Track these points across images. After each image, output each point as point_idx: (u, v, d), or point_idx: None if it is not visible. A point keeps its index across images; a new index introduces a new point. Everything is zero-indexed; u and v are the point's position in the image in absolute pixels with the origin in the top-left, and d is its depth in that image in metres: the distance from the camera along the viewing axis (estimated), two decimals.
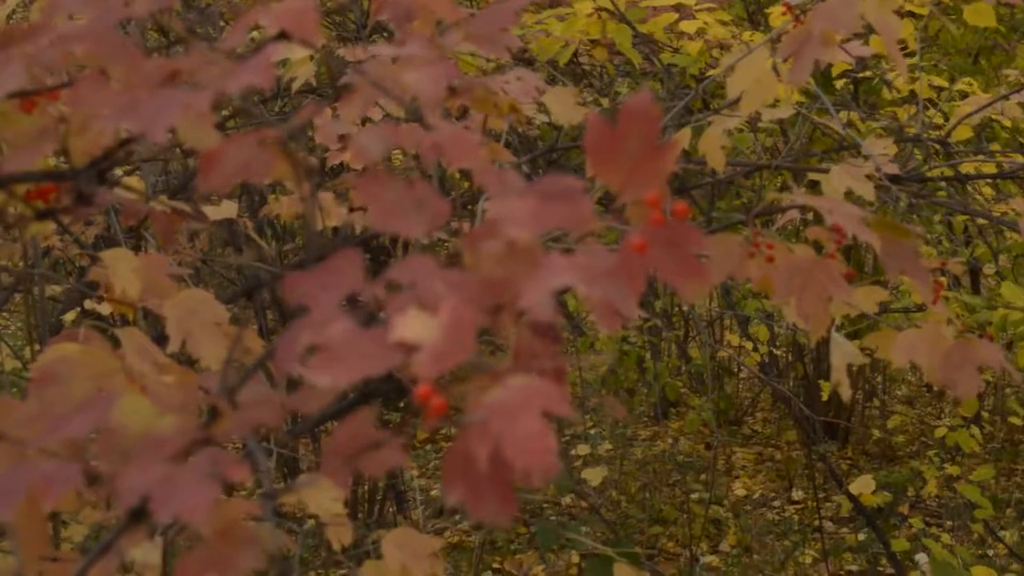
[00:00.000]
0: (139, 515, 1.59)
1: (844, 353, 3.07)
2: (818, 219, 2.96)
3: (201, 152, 1.70)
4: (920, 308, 4.91)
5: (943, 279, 3.16)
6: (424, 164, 1.71)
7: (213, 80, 1.61)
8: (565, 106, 3.67)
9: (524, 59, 4.48)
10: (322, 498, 2.83)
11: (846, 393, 3.07)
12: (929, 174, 4.32)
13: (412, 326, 1.42)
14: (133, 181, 3.24)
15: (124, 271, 2.76)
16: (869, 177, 3.39)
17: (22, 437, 1.65)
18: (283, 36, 1.65)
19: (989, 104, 4.39)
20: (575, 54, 4.98)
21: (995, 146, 5.16)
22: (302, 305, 1.61)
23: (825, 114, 4.43)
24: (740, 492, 7.02)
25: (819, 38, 3.09)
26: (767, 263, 2.80)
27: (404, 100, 1.82)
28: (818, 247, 2.87)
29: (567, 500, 6.51)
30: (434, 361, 1.41)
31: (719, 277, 2.85)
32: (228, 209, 3.30)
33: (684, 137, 3.83)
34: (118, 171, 3.44)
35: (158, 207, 3.07)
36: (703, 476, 7.01)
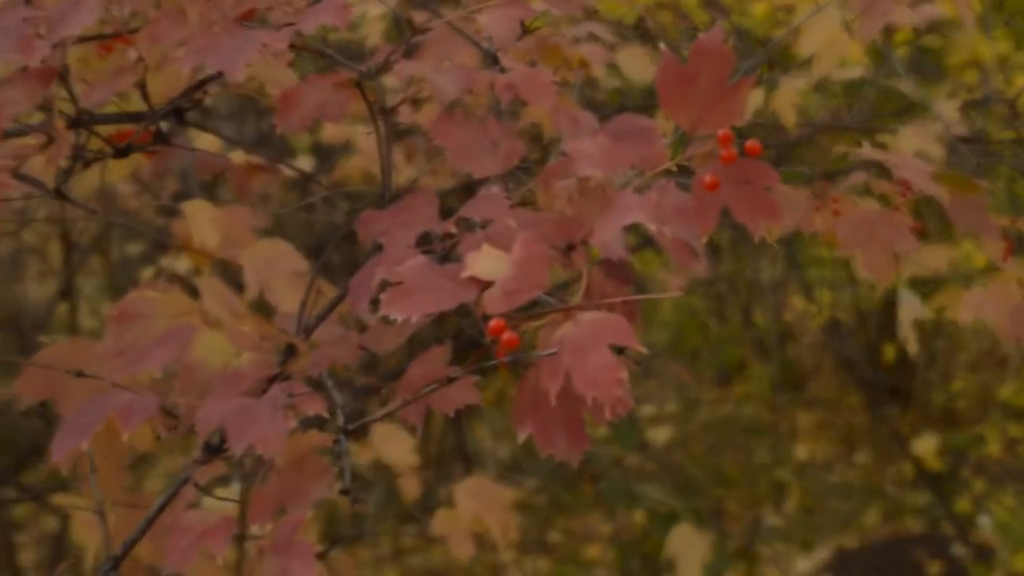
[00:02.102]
0: (215, 448, 1.62)
1: (912, 308, 3.08)
2: (885, 178, 2.97)
3: (279, 93, 1.73)
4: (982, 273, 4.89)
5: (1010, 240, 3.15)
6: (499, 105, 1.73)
7: (289, 19, 1.64)
8: (639, 64, 3.69)
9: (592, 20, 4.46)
10: (397, 448, 2.86)
11: (913, 348, 3.09)
12: (995, 137, 4.29)
13: (484, 262, 1.44)
14: (210, 137, 3.27)
15: (203, 222, 2.79)
16: (939, 139, 3.39)
17: (101, 373, 1.69)
18: None
19: None
20: (641, 17, 4.98)
21: None
22: (377, 244, 1.64)
23: (891, 78, 4.41)
24: (802, 455, 7.03)
25: None
26: (833, 216, 2.82)
27: (481, 42, 1.84)
28: (885, 203, 2.87)
29: (632, 461, 6.54)
30: (506, 296, 1.43)
31: (785, 230, 2.86)
32: (303, 163, 3.34)
33: (753, 98, 3.84)
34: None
35: (235, 160, 3.11)
36: (767, 438, 7.02)
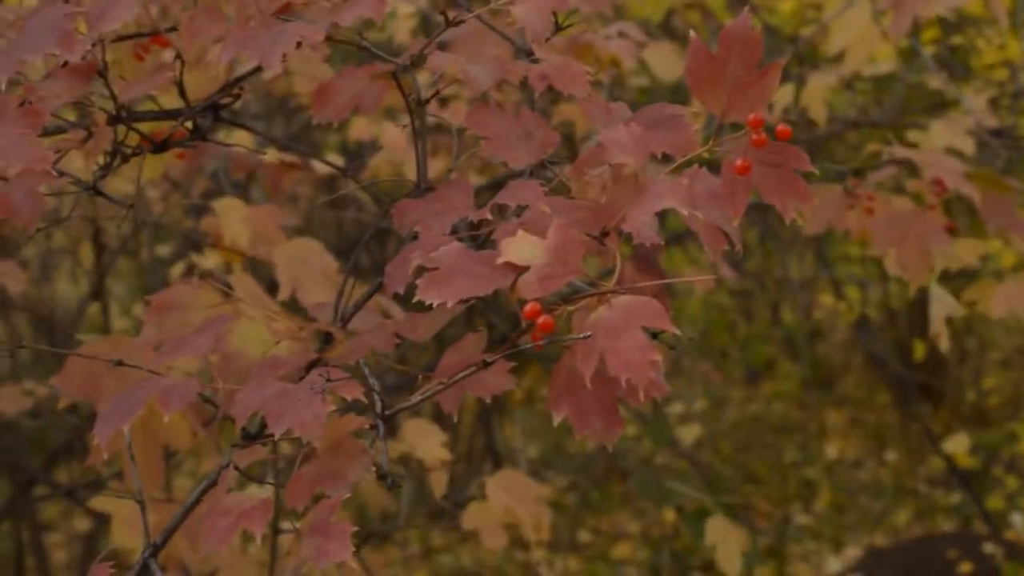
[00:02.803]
0: (253, 435, 1.64)
1: (944, 305, 3.08)
2: (915, 176, 2.98)
3: (315, 85, 1.75)
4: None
5: None
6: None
7: (325, 14, 1.65)
8: (666, 61, 3.72)
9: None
10: (429, 443, 2.87)
11: (945, 344, 3.09)
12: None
13: (519, 247, 1.46)
14: (242, 135, 3.30)
15: (234, 220, 2.83)
16: (969, 133, 3.40)
17: (139, 365, 1.70)
18: None
19: None
20: (668, 14, 5.00)
21: None
22: (412, 233, 1.66)
23: (920, 74, 4.42)
24: (832, 454, 7.04)
25: None
26: (866, 214, 2.83)
27: (513, 38, 1.86)
28: (918, 201, 2.88)
29: (662, 459, 6.55)
30: (541, 281, 1.45)
31: (819, 227, 2.88)
32: (335, 160, 3.37)
33: (784, 94, 3.85)
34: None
35: (268, 159, 3.14)
36: (796, 437, 7.02)
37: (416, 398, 1.54)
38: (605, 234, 1.54)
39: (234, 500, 1.50)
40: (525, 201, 1.57)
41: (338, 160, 3.88)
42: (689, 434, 6.38)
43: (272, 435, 1.45)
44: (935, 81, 4.14)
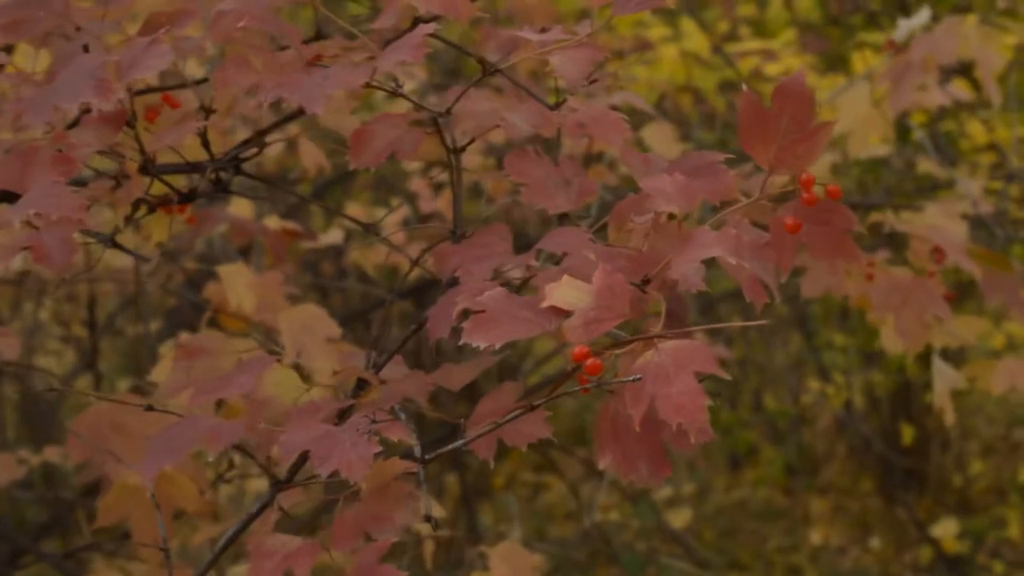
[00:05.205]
0: (287, 479, 1.63)
1: (946, 378, 3.09)
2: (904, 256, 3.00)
3: (352, 130, 1.75)
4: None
5: None
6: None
7: (362, 61, 1.66)
8: (664, 140, 3.74)
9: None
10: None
11: (950, 419, 3.09)
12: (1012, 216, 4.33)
13: (564, 292, 1.45)
14: (244, 205, 3.29)
15: (240, 286, 2.81)
16: (963, 216, 3.43)
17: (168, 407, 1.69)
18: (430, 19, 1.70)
19: None
20: (660, 98, 5.04)
21: None
22: (452, 279, 1.66)
23: (912, 157, 4.46)
24: (816, 540, 7.01)
25: (919, 65, 3.14)
26: (866, 281, 2.85)
27: (535, 94, 1.86)
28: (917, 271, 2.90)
29: (651, 544, 6.52)
30: (586, 326, 1.44)
31: (818, 291, 2.89)
32: (334, 236, 3.37)
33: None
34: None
35: (270, 226, 3.13)
36: (781, 523, 7.00)
37: (454, 444, 1.53)
38: (647, 281, 1.53)
39: (278, 541, 1.47)
40: (569, 248, 1.57)
41: (336, 239, 3.87)
42: (678, 518, 6.36)
43: (313, 476, 1.44)
44: (926, 164, 4.17)
